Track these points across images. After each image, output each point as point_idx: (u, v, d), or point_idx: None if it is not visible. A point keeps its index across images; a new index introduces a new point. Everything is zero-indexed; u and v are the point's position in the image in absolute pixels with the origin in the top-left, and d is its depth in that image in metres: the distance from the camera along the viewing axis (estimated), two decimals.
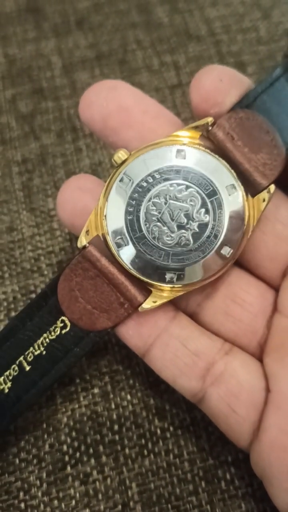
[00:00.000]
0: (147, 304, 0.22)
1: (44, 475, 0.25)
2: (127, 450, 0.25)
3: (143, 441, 0.26)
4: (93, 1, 0.41)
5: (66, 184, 0.25)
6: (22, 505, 0.24)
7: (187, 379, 0.22)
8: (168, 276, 0.21)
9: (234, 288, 0.24)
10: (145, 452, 0.25)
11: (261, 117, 0.22)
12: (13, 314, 0.29)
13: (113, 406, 0.26)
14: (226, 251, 0.21)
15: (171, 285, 0.22)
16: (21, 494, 0.25)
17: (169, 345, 0.23)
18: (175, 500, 0.24)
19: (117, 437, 0.26)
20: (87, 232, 0.22)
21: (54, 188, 0.33)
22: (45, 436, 0.26)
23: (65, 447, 0.26)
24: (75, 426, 0.26)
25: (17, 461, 0.25)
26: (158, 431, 0.26)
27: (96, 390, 0.27)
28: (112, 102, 0.23)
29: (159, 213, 0.21)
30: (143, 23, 0.39)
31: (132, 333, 0.23)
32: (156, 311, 0.23)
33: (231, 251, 0.21)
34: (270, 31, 0.39)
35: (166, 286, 0.22)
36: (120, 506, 0.24)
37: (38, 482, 0.25)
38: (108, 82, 0.24)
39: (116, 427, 0.26)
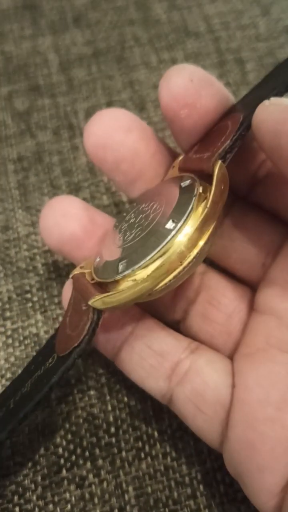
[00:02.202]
0: (98, 297, 0.20)
1: (39, 478, 0.25)
2: (124, 453, 0.25)
3: (140, 443, 0.25)
4: None
5: (48, 209, 0.24)
6: (17, 509, 0.24)
7: (154, 380, 0.23)
8: (119, 267, 0.20)
9: (213, 292, 0.24)
10: (142, 455, 0.25)
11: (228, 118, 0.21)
12: (8, 314, 0.28)
13: (109, 408, 0.26)
14: (171, 225, 0.20)
15: (121, 275, 0.20)
16: (16, 497, 0.24)
17: (135, 347, 0.23)
18: (173, 504, 0.24)
19: (113, 439, 0.25)
20: (81, 267, 0.23)
21: (51, 186, 0.32)
22: (40, 438, 0.25)
23: (60, 450, 0.25)
24: (71, 429, 0.25)
25: (11, 464, 0.25)
26: (156, 434, 0.25)
27: (92, 392, 0.26)
28: (128, 148, 0.23)
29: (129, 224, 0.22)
30: (141, 20, 0.39)
31: (101, 339, 0.23)
32: (123, 316, 0.23)
33: (175, 225, 0.19)
34: (269, 28, 0.38)
35: (118, 276, 0.20)
36: (116, 510, 0.24)
37: (33, 486, 0.24)
38: (120, 117, 0.24)
39: (112, 429, 0.25)
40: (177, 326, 0.25)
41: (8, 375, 0.27)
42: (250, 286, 0.24)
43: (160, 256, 0.19)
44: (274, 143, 0.18)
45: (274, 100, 0.19)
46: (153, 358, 0.23)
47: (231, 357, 0.23)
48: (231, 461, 0.21)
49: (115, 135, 0.23)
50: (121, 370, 0.24)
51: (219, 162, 0.20)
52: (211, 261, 0.25)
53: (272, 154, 0.19)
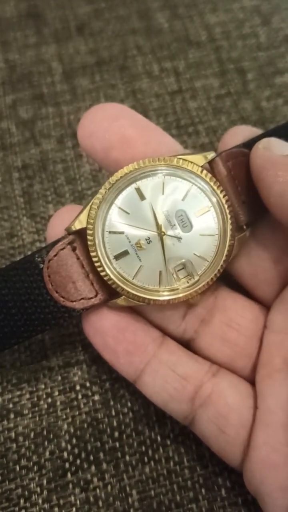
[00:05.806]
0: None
1: (45, 482, 0.25)
2: (127, 457, 0.25)
3: (143, 448, 0.26)
4: (94, 6, 0.41)
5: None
6: None
7: (177, 403, 0.23)
8: None
9: (230, 313, 0.24)
10: (146, 459, 0.25)
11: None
12: None
13: (113, 413, 0.26)
14: None
15: None
16: (22, 501, 0.25)
17: (159, 371, 0.23)
18: (176, 508, 0.24)
19: (117, 444, 0.26)
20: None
21: (55, 194, 0.33)
22: (46, 443, 0.26)
23: (65, 454, 0.26)
24: (76, 433, 0.26)
25: (17, 468, 0.25)
26: (159, 438, 0.26)
27: (96, 397, 0.27)
28: (114, 134, 0.23)
29: None
30: (144, 29, 0.39)
31: (123, 362, 0.23)
32: (145, 338, 0.23)
33: None
34: (270, 37, 0.39)
35: None
36: None
37: (38, 489, 0.25)
38: (108, 108, 0.24)
39: (116, 434, 0.26)
40: (186, 346, 0.25)
41: (9, 376, 0.27)
42: (265, 305, 0.24)
43: None
44: (257, 177, 0.21)
45: (266, 144, 0.21)
46: (177, 382, 0.23)
47: (249, 379, 0.23)
48: (252, 480, 0.21)
49: (101, 123, 0.23)
50: (142, 392, 0.24)
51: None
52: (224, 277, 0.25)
53: (257, 182, 0.21)
